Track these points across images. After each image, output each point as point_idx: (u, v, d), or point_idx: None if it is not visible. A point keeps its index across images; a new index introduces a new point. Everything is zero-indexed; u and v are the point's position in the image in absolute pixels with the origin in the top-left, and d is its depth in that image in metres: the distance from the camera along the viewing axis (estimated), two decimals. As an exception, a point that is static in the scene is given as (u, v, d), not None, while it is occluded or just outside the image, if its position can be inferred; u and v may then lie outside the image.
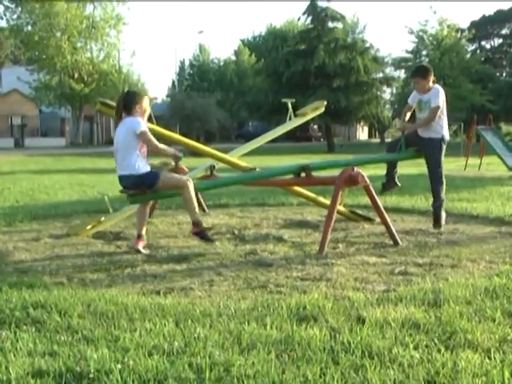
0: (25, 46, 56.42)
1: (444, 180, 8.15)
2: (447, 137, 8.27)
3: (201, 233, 6.83)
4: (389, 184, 8.53)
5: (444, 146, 8.23)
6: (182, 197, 6.86)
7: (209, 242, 7.02)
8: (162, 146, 7.04)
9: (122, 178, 6.96)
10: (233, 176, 8.29)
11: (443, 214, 8.15)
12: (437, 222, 8.10)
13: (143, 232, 7.24)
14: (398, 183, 8.59)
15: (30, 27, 53.11)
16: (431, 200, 8.23)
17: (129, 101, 6.94)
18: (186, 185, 6.80)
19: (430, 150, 8.10)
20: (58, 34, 52.32)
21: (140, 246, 6.98)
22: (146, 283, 5.57)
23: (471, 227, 8.53)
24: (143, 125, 6.79)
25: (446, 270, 5.95)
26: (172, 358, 3.59)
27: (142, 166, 6.78)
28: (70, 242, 7.63)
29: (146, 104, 7.00)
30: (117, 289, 5.31)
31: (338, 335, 3.96)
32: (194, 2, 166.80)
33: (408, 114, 8.51)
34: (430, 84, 8.20)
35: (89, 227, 8.02)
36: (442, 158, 8.14)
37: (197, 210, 6.90)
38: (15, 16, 52.92)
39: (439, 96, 8.07)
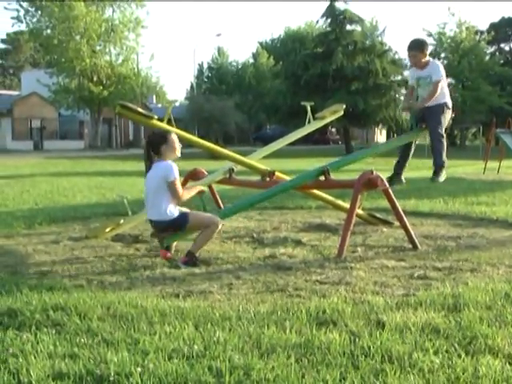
0: (44, 50, 56.71)
1: (445, 142, 8.00)
2: (450, 103, 8.16)
3: (189, 262, 6.52)
4: (395, 178, 8.37)
5: (448, 111, 8.11)
6: (203, 231, 6.69)
7: (194, 267, 6.53)
8: (186, 195, 6.87)
9: (152, 222, 6.87)
10: (259, 194, 8.08)
11: (444, 173, 8.06)
12: (436, 173, 8.02)
13: (173, 245, 7.15)
14: (403, 180, 8.50)
15: (49, 30, 53.28)
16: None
17: (155, 143, 6.81)
18: (215, 224, 6.71)
19: (432, 114, 8.00)
20: (78, 38, 52.48)
21: (166, 258, 6.85)
22: (166, 286, 5.57)
23: (490, 231, 8.48)
24: (175, 172, 6.62)
25: (466, 274, 5.91)
26: (192, 362, 3.60)
27: (172, 210, 6.68)
28: (89, 245, 7.66)
29: (172, 140, 6.83)
30: (136, 291, 5.33)
31: (357, 339, 3.94)
32: (212, 4, 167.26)
33: (413, 95, 8.42)
34: (427, 58, 8.18)
35: (108, 230, 8.05)
36: (445, 122, 8.03)
37: (202, 247, 6.81)
38: (35, 19, 53.08)
39: (439, 69, 8.03)
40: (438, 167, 7.96)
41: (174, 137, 6.92)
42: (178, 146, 6.90)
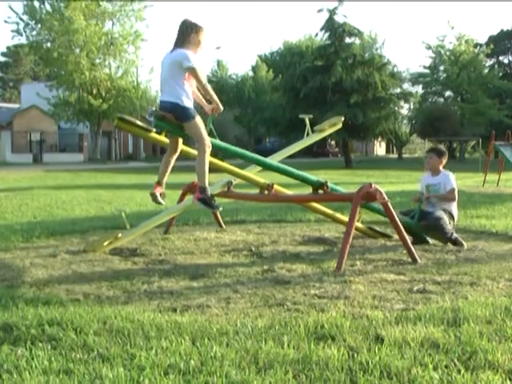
0: (44, 63, 56.92)
1: (443, 223, 8.15)
2: (455, 215, 8.56)
3: (205, 199, 6.85)
4: (420, 241, 8.50)
5: (451, 222, 8.39)
6: (197, 157, 6.91)
7: (212, 209, 7.09)
8: (210, 89, 7.05)
9: (163, 102, 6.94)
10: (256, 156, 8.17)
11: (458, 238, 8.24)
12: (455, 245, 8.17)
13: (163, 181, 7.37)
14: (429, 240, 8.60)
15: (49, 44, 53.46)
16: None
17: (182, 29, 6.85)
18: (206, 145, 6.87)
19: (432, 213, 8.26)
20: (77, 51, 52.63)
21: (157, 192, 7.15)
22: (163, 300, 5.53)
23: (490, 244, 8.44)
24: (193, 60, 6.67)
25: (466, 288, 5.87)
26: (188, 377, 3.56)
27: (186, 99, 6.79)
28: (86, 258, 7.62)
29: (201, 37, 6.90)
30: (133, 306, 5.29)
31: (356, 355, 3.90)
32: (212, 17, 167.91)
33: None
34: (441, 167, 8.62)
35: (106, 243, 8.02)
36: (446, 224, 8.16)
37: (207, 176, 6.93)
38: (35, 33, 53.31)
39: (452, 180, 8.50)
40: (452, 242, 8.20)
41: (204, 33, 6.95)
42: (203, 43, 6.96)
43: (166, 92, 6.92)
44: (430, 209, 8.41)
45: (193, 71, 6.73)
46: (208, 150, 6.91)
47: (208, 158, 6.95)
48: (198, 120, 6.89)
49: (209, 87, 7.01)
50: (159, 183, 7.32)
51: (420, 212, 8.38)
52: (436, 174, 8.60)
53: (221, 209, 7.45)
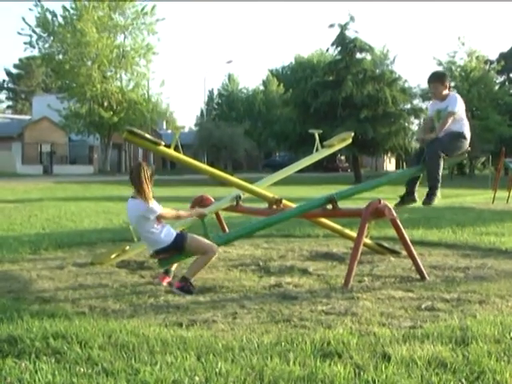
0: (56, 75, 57.18)
1: (441, 163, 7.81)
2: (467, 134, 8.02)
3: (184, 288, 6.46)
4: (408, 197, 8.20)
5: (462, 140, 7.97)
6: (200, 257, 6.66)
7: (187, 294, 6.49)
8: (181, 212, 6.91)
9: (155, 254, 6.72)
10: (265, 219, 8.03)
11: (437, 195, 7.91)
12: (428, 196, 7.90)
13: (172, 268, 7.13)
14: (416, 198, 8.30)
15: (61, 56, 53.74)
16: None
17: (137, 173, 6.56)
18: (213, 251, 6.68)
19: (439, 138, 7.84)
20: (89, 63, 52.87)
21: (164, 283, 6.78)
22: (169, 314, 5.51)
23: (499, 262, 8.37)
24: (154, 208, 6.44)
25: (474, 306, 5.82)
26: (192, 394, 3.53)
27: (167, 233, 6.58)
28: (93, 271, 7.61)
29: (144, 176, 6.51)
30: (139, 320, 5.26)
31: (362, 373, 3.86)
32: (223, 31, 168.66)
33: (429, 126, 8.36)
34: (447, 91, 8.10)
35: (113, 256, 8.01)
36: (453, 148, 7.92)
37: (197, 273, 6.73)
38: (47, 45, 53.60)
39: (457, 102, 7.93)
40: (430, 189, 7.86)
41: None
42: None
43: (149, 244, 6.74)
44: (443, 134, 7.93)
45: (161, 217, 6.56)
46: (216, 251, 6.73)
47: (210, 262, 6.80)
48: (191, 239, 6.66)
49: (181, 214, 6.92)
50: (167, 272, 6.96)
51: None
52: (443, 98, 8.11)
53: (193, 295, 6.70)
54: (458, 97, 8.10)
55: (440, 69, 61.41)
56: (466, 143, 8.04)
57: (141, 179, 6.43)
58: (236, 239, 8.01)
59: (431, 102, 8.62)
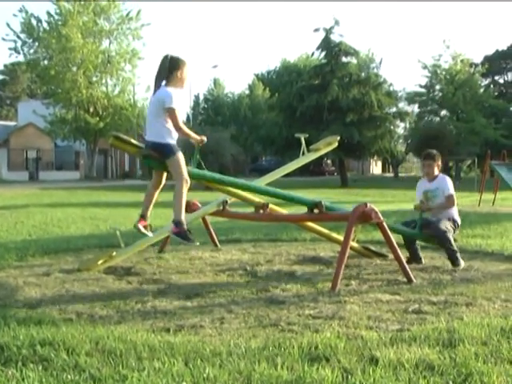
0: (41, 80, 56.99)
1: (450, 236, 8.19)
2: (458, 221, 8.54)
3: (181, 233, 6.81)
4: (416, 262, 8.46)
5: (456, 229, 8.51)
6: (175, 189, 6.89)
7: (189, 243, 6.94)
8: (186, 129, 7.06)
9: (147, 141, 6.99)
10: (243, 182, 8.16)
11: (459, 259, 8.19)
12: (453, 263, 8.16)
13: (148, 214, 7.32)
14: (422, 260, 8.58)
15: (46, 62, 53.63)
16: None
17: (166, 66, 6.89)
18: (184, 179, 6.87)
19: (439, 221, 8.24)
20: (74, 69, 52.76)
21: (141, 225, 7.12)
22: (156, 320, 5.49)
23: (486, 264, 8.41)
24: (174, 101, 6.75)
25: (461, 308, 5.84)
26: (180, 400, 3.52)
27: (168, 137, 6.82)
28: (80, 277, 7.58)
29: (185, 73, 6.98)
30: (126, 325, 5.25)
31: (350, 376, 3.86)
32: (208, 36, 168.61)
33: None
34: (437, 171, 8.60)
35: (100, 262, 7.98)
36: (453, 244, 8.20)
37: (183, 210, 6.94)
38: (32, 50, 53.46)
39: (449, 184, 8.47)
40: (453, 262, 8.13)
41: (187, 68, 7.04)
42: (187, 78, 7.08)
43: (150, 131, 6.96)
44: (434, 217, 8.37)
45: (171, 112, 6.78)
46: (186, 184, 6.89)
47: (185, 193, 6.94)
48: (179, 157, 6.89)
49: (185, 128, 7.01)
50: (143, 216, 7.26)
51: (422, 220, 8.35)
52: (433, 178, 8.55)
53: (197, 243, 7.25)
54: (448, 178, 8.64)
55: (426, 73, 61.82)
56: (456, 230, 8.65)
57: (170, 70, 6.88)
58: (211, 179, 7.97)
59: (418, 182, 8.98)
